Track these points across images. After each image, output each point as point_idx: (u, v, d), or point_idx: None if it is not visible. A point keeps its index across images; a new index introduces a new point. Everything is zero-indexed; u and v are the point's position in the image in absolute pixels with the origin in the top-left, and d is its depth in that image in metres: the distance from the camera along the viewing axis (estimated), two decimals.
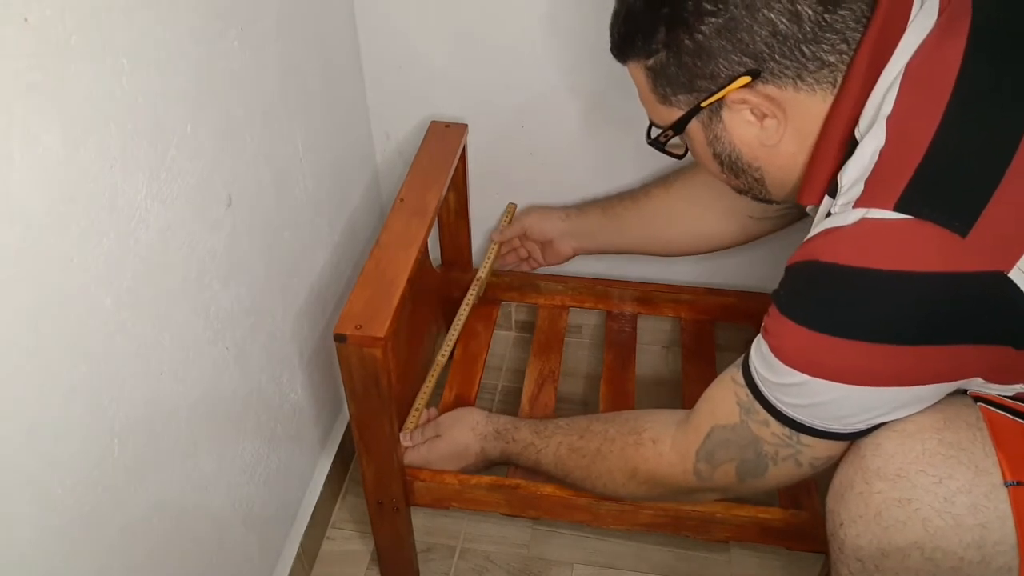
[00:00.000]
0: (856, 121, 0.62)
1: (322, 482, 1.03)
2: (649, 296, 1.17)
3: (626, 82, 0.73)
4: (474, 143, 1.09)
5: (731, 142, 0.69)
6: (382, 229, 0.89)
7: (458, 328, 1.06)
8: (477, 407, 0.97)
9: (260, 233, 0.79)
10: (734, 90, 0.64)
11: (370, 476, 0.88)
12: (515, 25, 0.99)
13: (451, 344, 1.05)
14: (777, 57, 0.61)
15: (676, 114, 0.69)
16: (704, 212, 0.99)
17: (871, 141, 0.59)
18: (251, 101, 0.74)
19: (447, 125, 1.06)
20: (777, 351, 0.63)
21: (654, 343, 1.28)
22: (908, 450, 0.61)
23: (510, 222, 1.14)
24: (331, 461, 1.06)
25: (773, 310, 0.64)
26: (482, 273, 1.11)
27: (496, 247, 1.12)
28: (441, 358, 1.03)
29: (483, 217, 1.18)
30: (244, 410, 0.80)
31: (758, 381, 0.67)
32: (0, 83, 0.44)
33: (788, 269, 0.63)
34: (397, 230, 0.89)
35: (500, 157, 1.12)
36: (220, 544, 0.79)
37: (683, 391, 1.08)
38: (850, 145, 0.62)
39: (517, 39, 1.00)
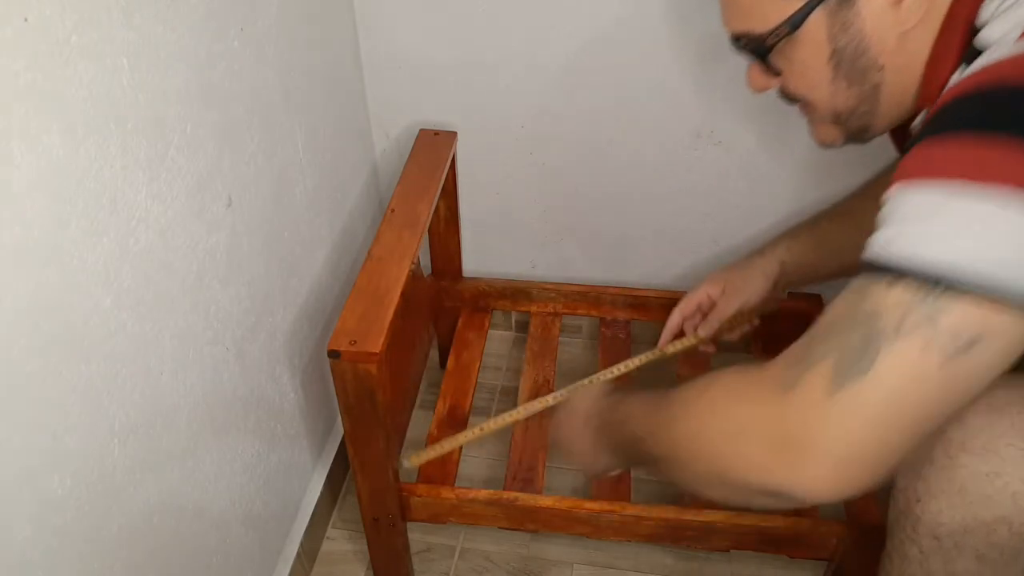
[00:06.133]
0: (977, 9, 0.56)
1: (322, 481, 1.03)
2: (642, 301, 1.16)
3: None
4: (473, 143, 1.09)
5: (862, 31, 0.61)
6: (373, 241, 0.87)
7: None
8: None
9: (260, 233, 0.79)
10: None
11: (365, 492, 0.87)
12: (516, 25, 0.99)
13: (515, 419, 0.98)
14: None
15: (795, 4, 0.61)
16: None
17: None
18: (251, 101, 0.74)
19: (436, 133, 1.04)
20: (923, 172, 0.52)
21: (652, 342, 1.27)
22: (996, 423, 0.59)
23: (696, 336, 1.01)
24: (331, 460, 1.06)
25: (910, 152, 0.54)
26: (671, 349, 1.02)
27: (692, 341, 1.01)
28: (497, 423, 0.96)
29: (481, 217, 1.19)
30: (244, 410, 0.80)
31: (882, 246, 0.53)
32: (0, 83, 0.44)
33: (926, 121, 0.55)
34: (388, 242, 0.87)
35: (499, 157, 1.12)
36: (220, 544, 0.79)
37: None
38: (970, 36, 0.56)
39: (518, 39, 1.00)
